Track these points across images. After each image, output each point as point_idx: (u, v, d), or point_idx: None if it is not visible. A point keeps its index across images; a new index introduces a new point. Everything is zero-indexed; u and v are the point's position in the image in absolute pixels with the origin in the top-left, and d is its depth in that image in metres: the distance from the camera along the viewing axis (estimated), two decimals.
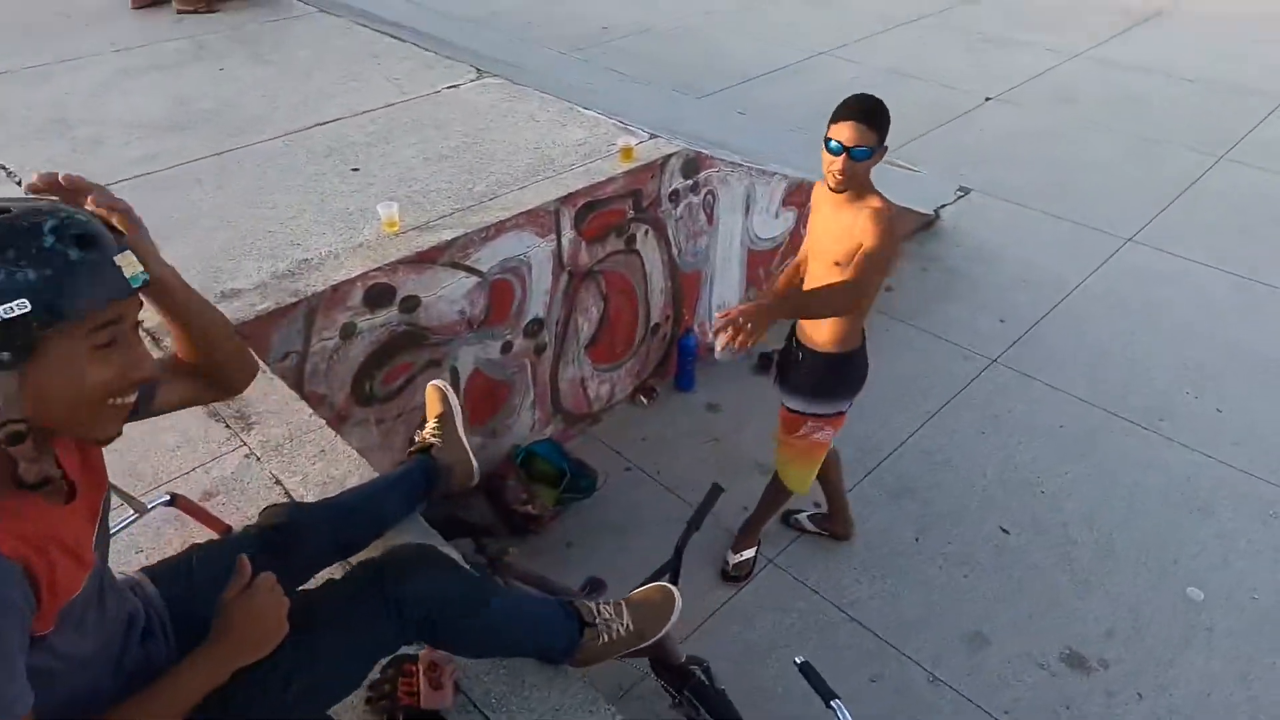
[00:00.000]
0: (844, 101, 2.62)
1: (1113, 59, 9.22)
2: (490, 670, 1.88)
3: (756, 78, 8.74)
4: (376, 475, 2.26)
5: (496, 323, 3.88)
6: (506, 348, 3.99)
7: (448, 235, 3.53)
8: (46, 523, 1.13)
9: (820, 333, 2.97)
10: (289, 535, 1.74)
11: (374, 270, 3.33)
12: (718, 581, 3.78)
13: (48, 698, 1.11)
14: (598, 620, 1.88)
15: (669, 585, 2.00)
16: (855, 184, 2.65)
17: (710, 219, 4.68)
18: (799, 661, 2.01)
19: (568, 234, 3.96)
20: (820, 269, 2.89)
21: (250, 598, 1.33)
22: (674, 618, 1.97)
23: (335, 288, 3.23)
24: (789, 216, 5.15)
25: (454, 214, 3.70)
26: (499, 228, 3.66)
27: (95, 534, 1.27)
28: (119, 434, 1.15)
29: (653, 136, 4.39)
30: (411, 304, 3.49)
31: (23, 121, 4.54)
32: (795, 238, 5.22)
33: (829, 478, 3.69)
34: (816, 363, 3.03)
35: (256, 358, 1.72)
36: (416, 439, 2.34)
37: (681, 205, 4.46)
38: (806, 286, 3.00)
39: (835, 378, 3.06)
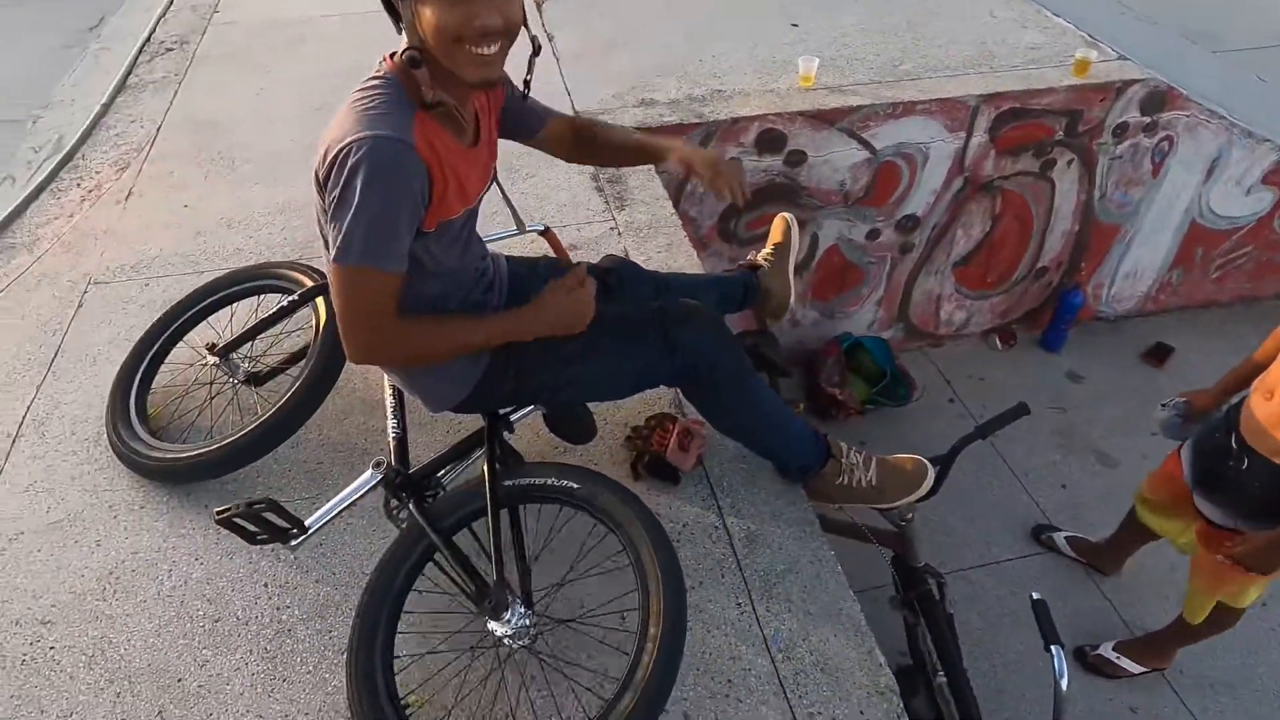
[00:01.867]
0: None
1: None
2: (732, 461, 2.02)
3: None
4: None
5: (872, 205, 3.82)
6: (873, 234, 3.93)
7: (855, 102, 3.51)
8: (450, 151, 1.45)
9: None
10: (617, 281, 2.00)
11: (773, 115, 3.45)
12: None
13: (405, 283, 1.46)
14: (844, 459, 1.91)
15: (926, 461, 1.94)
16: None
17: (1156, 170, 4.03)
18: (1035, 598, 1.87)
19: (979, 136, 3.70)
20: None
21: (573, 289, 1.55)
22: (920, 492, 1.92)
23: (734, 120, 3.42)
24: (1265, 197, 4.22)
25: (870, 84, 3.64)
26: (907, 108, 3.54)
27: (479, 192, 1.60)
28: (484, 83, 1.41)
29: (1122, 58, 3.83)
30: (797, 159, 3.57)
31: None
32: (1263, 228, 4.29)
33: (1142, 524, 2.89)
34: (1272, 474, 2.14)
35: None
36: (750, 256, 2.47)
37: (1126, 143, 3.89)
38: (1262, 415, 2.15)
39: None
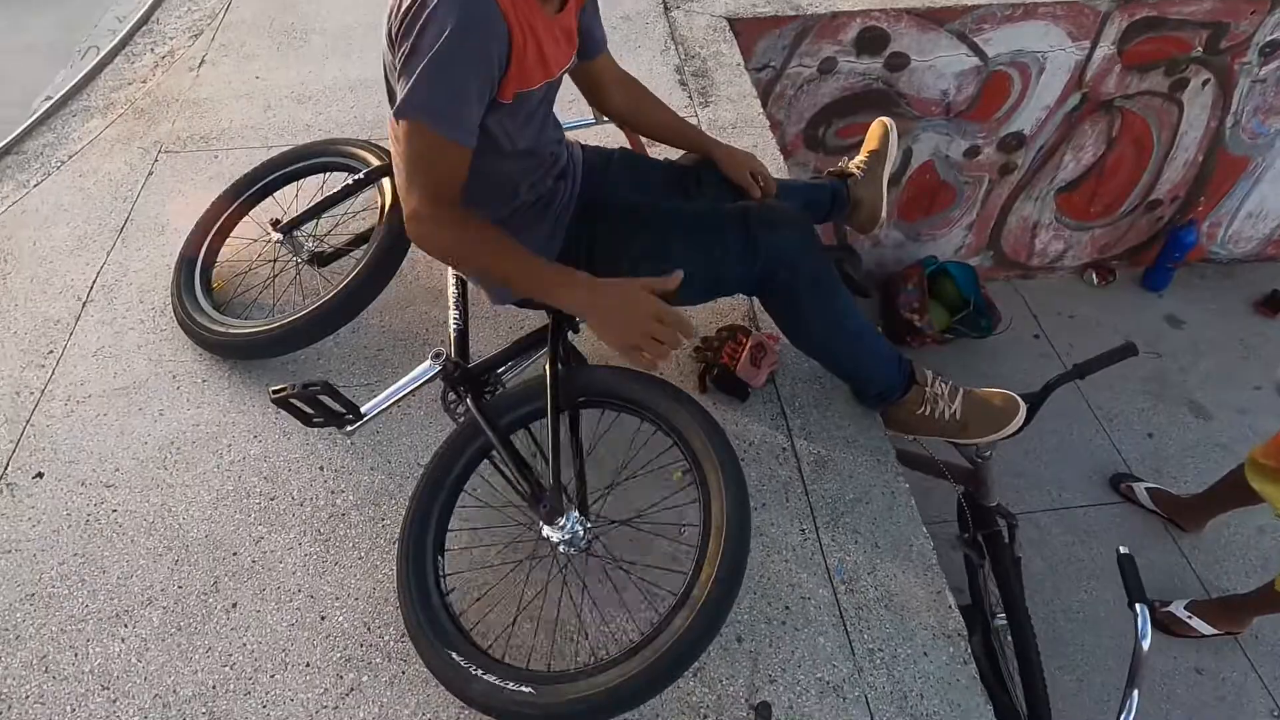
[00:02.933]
0: None
1: None
2: (806, 381, 1.91)
3: None
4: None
5: (976, 118, 3.52)
6: (972, 152, 3.65)
7: (970, 1, 3.19)
8: (534, 14, 1.32)
9: None
10: (695, 177, 1.85)
11: (878, 10, 3.16)
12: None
13: (475, 161, 1.36)
14: (929, 388, 1.78)
15: (1018, 398, 1.80)
16: None
17: None
18: (1123, 552, 1.74)
19: (1105, 48, 3.34)
20: None
21: (646, 301, 1.30)
22: (1008, 430, 1.77)
23: (834, 15, 3.14)
24: None
25: None
26: (1029, 10, 3.20)
27: (562, 67, 1.46)
28: None
29: None
30: (899, 62, 3.29)
31: None
32: None
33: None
34: None
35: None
36: (840, 164, 2.28)
37: (1272, 65, 3.48)
38: None
39: None
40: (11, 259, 2.25)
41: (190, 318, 1.97)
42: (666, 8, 3.16)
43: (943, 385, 1.80)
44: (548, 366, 1.55)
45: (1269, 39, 3.39)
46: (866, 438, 1.80)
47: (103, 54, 2.94)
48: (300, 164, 2.15)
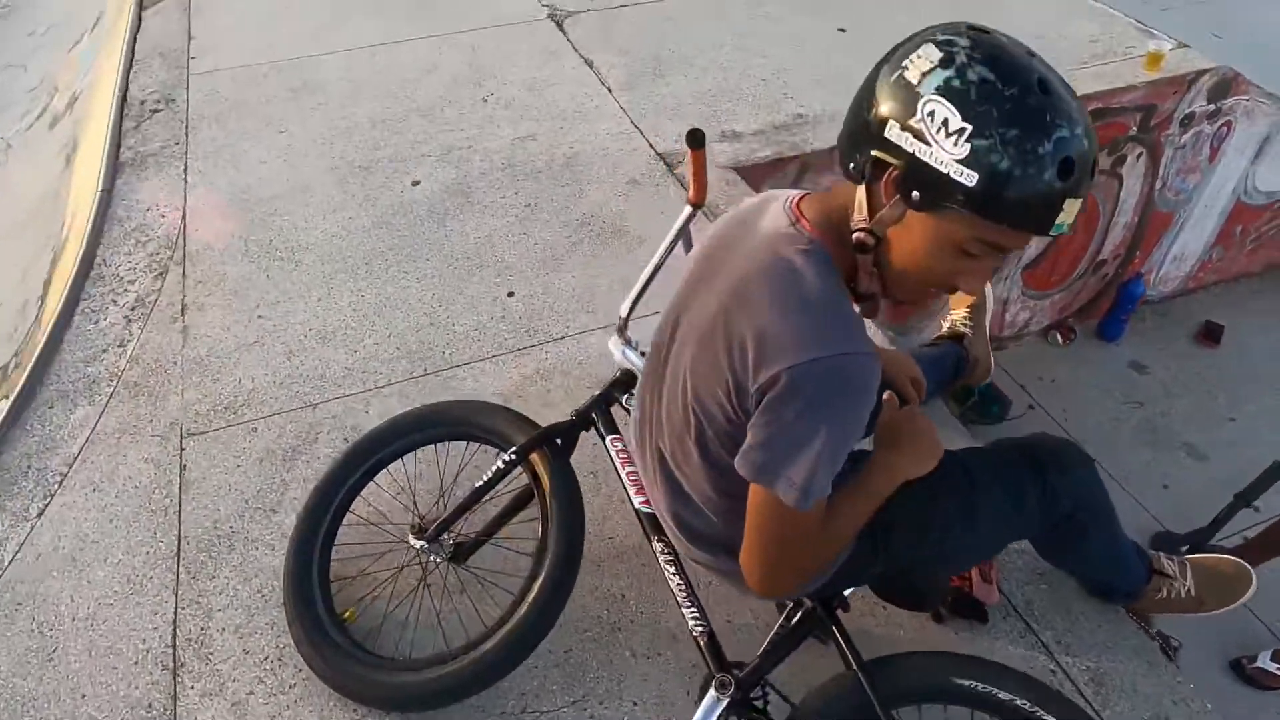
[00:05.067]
0: None
1: None
2: (1029, 583, 1.81)
3: None
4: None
5: None
6: None
7: None
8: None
9: None
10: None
11: None
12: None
13: None
14: (1165, 573, 1.73)
15: (1243, 563, 1.79)
16: None
17: (1214, 155, 4.00)
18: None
19: None
20: None
21: (908, 419, 1.30)
22: (1244, 599, 1.76)
23: (831, 148, 3.15)
24: None
25: None
26: None
27: None
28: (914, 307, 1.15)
29: (1182, 45, 3.75)
30: None
31: None
32: None
33: None
34: None
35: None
36: (945, 325, 2.25)
37: (1191, 132, 3.84)
38: None
39: None
40: (51, 629, 1.78)
41: (334, 666, 1.61)
42: (669, 167, 3.07)
43: (1171, 564, 1.76)
44: (851, 662, 1.37)
45: (1187, 111, 3.73)
46: (1125, 639, 1.72)
47: (55, 316, 2.47)
48: (416, 437, 1.85)
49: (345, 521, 1.82)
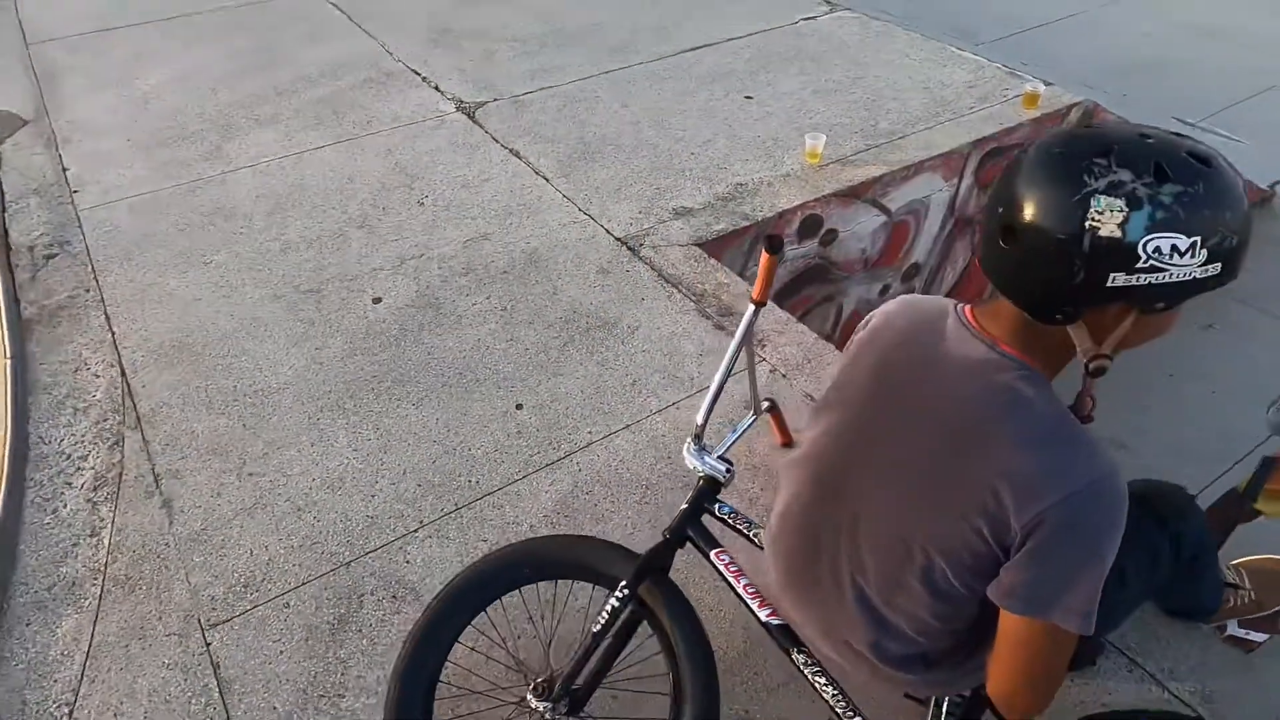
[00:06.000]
0: None
1: None
2: None
3: (1036, 27, 8.15)
4: None
5: (885, 264, 3.85)
6: (884, 290, 3.96)
7: (874, 172, 3.50)
8: None
9: None
10: None
11: (811, 201, 3.34)
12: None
13: None
14: (1232, 582, 1.86)
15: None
16: None
17: None
18: None
19: (967, 179, 3.85)
20: None
21: None
22: None
23: (781, 214, 3.27)
24: None
25: (868, 150, 3.65)
26: (918, 168, 3.59)
27: None
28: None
29: (1048, 84, 4.17)
30: (830, 238, 3.50)
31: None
32: None
33: None
34: None
35: None
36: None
37: None
38: None
39: None
40: None
41: None
42: (633, 251, 3.06)
43: (1232, 572, 1.89)
44: None
45: None
46: (1215, 656, 1.82)
47: (0, 507, 2.13)
48: (497, 588, 1.71)
49: (437, 695, 1.65)
